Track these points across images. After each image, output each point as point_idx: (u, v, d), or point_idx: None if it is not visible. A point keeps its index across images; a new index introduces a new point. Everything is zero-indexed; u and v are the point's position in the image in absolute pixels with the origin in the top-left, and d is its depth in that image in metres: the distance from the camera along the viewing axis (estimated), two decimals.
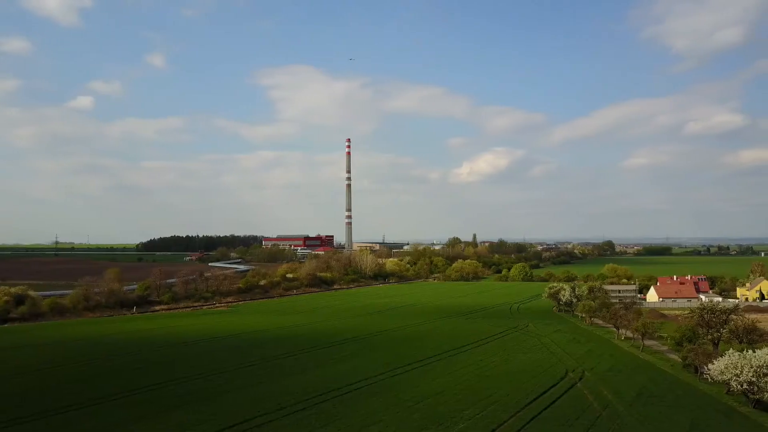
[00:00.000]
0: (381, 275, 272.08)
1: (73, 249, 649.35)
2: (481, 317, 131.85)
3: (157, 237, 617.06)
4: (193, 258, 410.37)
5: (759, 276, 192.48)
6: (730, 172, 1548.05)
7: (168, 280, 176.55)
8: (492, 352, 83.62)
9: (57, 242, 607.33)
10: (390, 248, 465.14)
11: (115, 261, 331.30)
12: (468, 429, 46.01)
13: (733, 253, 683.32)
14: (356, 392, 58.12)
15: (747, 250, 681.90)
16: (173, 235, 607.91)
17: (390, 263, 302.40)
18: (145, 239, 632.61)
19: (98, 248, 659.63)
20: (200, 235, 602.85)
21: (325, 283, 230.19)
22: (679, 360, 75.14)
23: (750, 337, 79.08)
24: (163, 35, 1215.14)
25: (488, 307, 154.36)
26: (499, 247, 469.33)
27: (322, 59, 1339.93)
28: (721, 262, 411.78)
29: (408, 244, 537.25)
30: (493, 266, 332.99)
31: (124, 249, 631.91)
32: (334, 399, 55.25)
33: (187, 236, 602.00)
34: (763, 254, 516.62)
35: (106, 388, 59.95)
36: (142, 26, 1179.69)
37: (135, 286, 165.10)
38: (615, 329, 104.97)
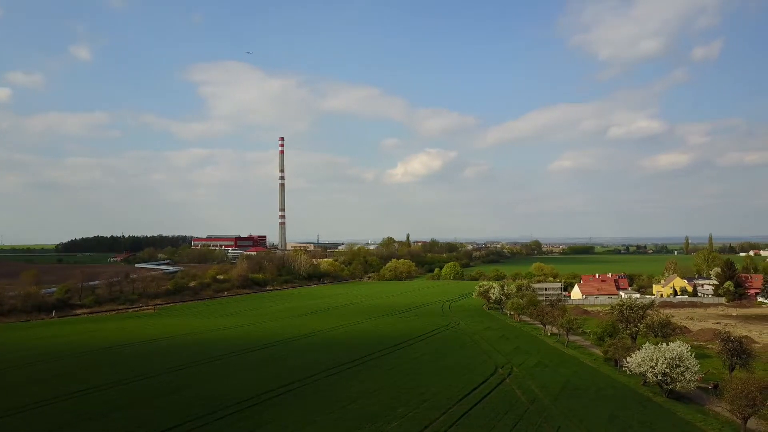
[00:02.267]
0: (316, 276, 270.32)
1: None
2: (414, 316, 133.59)
3: (78, 237, 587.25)
4: (119, 259, 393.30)
5: (673, 273, 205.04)
6: (648, 175, 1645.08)
7: (91, 282, 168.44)
8: (424, 350, 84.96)
9: None
10: (325, 248, 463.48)
11: (32, 262, 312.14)
12: (401, 427, 46.59)
13: (649, 252, 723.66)
14: (290, 394, 57.62)
15: (662, 249, 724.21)
16: (97, 235, 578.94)
17: (325, 263, 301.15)
18: (66, 239, 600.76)
19: (14, 249, 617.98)
20: (126, 235, 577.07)
21: (258, 285, 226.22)
22: (601, 354, 78.85)
23: (664, 331, 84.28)
24: (88, 26, 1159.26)
25: (421, 306, 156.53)
26: (432, 246, 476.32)
27: (256, 56, 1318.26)
28: (639, 261, 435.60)
29: (343, 244, 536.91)
30: (426, 265, 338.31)
31: (43, 250, 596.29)
32: (268, 401, 54.61)
33: (112, 236, 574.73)
34: (676, 253, 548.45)
35: (24, 397, 56.65)
36: (67, 15, 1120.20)
37: (54, 289, 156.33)
38: (542, 326, 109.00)
